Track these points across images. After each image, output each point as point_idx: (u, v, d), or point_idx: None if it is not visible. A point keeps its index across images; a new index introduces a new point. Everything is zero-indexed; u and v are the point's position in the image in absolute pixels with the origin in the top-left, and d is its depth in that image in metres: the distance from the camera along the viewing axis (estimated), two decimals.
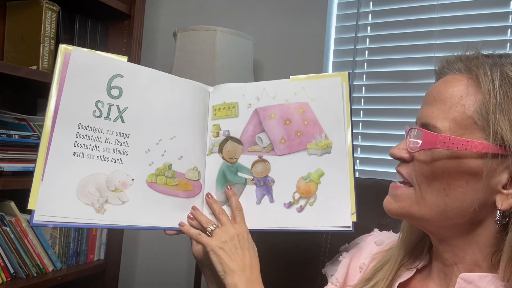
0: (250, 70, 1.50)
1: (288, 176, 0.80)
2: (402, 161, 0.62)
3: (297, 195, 0.79)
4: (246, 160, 0.82)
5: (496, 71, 0.55)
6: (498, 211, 0.54)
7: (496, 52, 0.60)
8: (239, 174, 0.82)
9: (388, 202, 0.63)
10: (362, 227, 0.83)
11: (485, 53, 0.60)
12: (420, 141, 0.58)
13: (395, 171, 0.64)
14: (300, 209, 0.78)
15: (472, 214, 0.56)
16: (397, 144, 0.63)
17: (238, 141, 0.82)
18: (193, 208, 0.80)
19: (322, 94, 0.80)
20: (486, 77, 0.55)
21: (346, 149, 0.78)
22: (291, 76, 0.83)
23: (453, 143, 0.55)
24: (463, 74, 0.59)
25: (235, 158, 0.82)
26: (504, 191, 0.55)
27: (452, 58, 0.62)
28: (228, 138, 0.83)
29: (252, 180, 0.81)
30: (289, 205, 0.79)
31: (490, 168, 0.54)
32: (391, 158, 0.64)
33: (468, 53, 0.61)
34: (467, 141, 0.55)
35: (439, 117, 0.57)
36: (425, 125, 0.59)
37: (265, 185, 0.80)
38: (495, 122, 0.53)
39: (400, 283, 0.65)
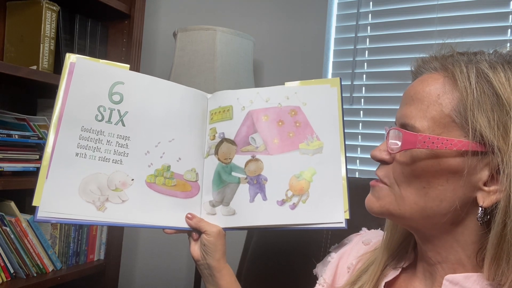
0: (250, 70, 1.50)
1: (281, 174, 0.81)
2: (382, 162, 0.62)
3: (290, 193, 0.80)
4: (239, 160, 0.83)
5: (471, 68, 0.55)
6: (480, 208, 0.54)
7: (471, 50, 0.60)
8: (233, 173, 0.83)
9: (370, 201, 0.63)
10: (362, 228, 0.83)
11: (460, 51, 0.60)
12: (399, 142, 0.58)
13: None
14: (293, 206, 0.79)
15: (453, 213, 0.56)
16: (378, 146, 0.63)
17: (232, 142, 0.84)
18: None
19: (313, 99, 0.83)
20: (462, 74, 0.55)
21: (338, 149, 0.79)
22: (285, 82, 0.85)
23: (432, 142, 0.55)
24: (439, 72, 0.59)
25: (229, 158, 0.84)
26: (486, 188, 0.54)
27: (428, 57, 0.62)
28: (223, 140, 0.85)
29: (245, 179, 0.82)
30: (282, 202, 0.79)
31: (470, 166, 0.54)
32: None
33: (443, 52, 0.61)
34: (447, 140, 0.54)
35: (417, 116, 0.57)
36: (404, 126, 0.59)
37: (258, 184, 0.81)
38: (473, 119, 0.53)
39: (386, 282, 0.65)
